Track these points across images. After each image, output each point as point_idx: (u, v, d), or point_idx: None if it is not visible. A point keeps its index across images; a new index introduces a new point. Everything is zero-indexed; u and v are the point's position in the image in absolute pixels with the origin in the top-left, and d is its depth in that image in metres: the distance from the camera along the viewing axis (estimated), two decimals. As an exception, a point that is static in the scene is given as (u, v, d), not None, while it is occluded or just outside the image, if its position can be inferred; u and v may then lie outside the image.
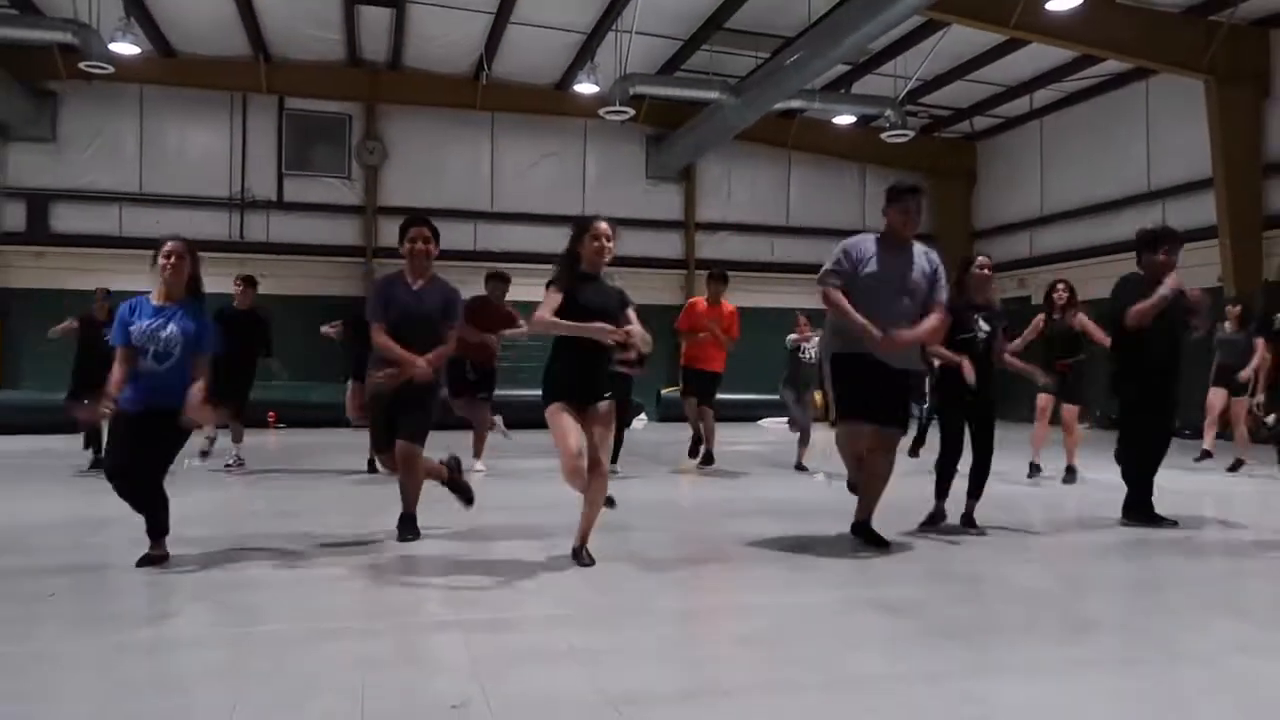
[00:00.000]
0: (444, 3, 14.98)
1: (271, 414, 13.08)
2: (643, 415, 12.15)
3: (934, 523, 5.94)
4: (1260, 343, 9.16)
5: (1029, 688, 3.03)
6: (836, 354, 5.40)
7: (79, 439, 8.95)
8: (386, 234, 18.03)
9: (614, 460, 9.03)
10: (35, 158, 16.73)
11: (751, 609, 4.04)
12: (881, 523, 5.45)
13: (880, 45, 15.49)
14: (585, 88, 15.73)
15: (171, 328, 4.65)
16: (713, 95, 16.19)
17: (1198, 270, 14.90)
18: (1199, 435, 10.02)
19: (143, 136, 17.41)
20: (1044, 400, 8.56)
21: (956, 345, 5.96)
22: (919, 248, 5.47)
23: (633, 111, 16.11)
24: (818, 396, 10.86)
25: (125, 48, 13.98)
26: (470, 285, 19.72)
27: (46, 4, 14.26)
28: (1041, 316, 8.40)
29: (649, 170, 19.76)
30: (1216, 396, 9.58)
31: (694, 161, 19.64)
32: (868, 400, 5.25)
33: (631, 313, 4.86)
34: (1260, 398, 9.28)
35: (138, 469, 4.60)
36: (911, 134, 17.63)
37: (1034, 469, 8.63)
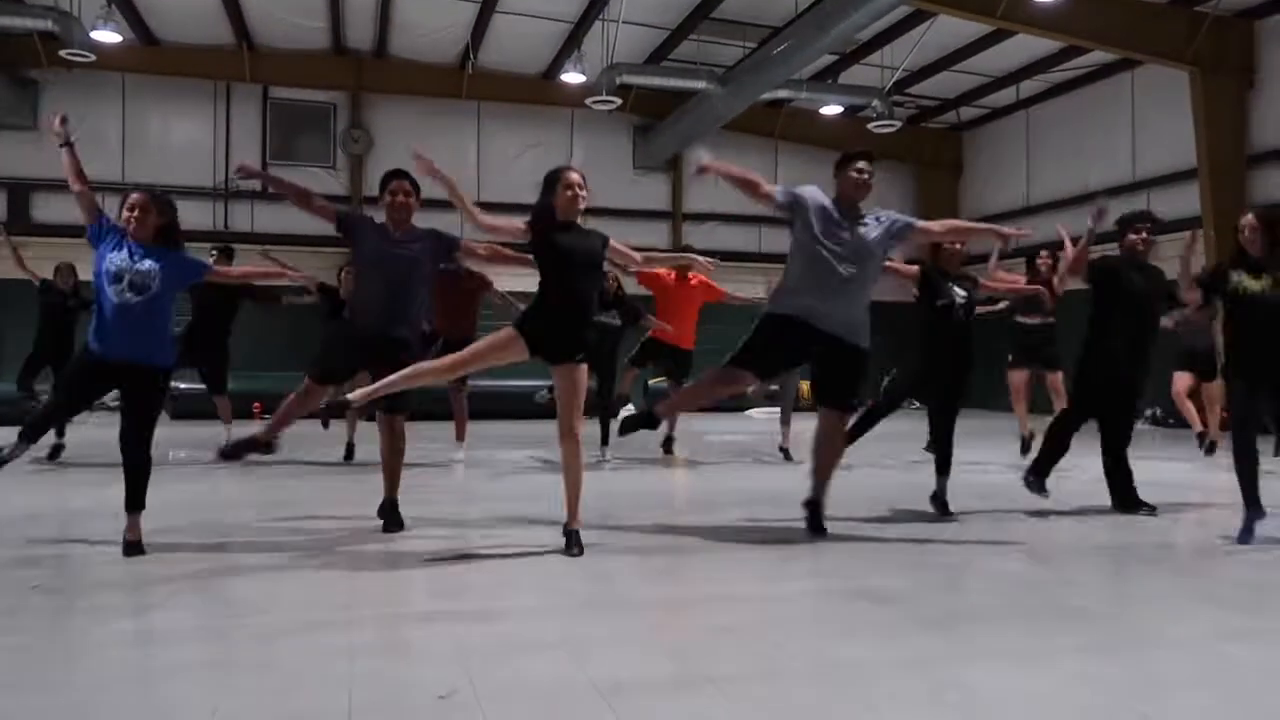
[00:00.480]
0: (429, -9, 14.91)
1: (257, 405, 13.02)
2: (629, 405, 12.15)
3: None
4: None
5: (1012, 675, 3.05)
6: (771, 313, 5.34)
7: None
8: (372, 224, 17.96)
9: (605, 442, 9.04)
10: (16, 147, 16.56)
11: (738, 598, 4.05)
12: (861, 513, 5.47)
13: (867, 35, 15.50)
14: (572, 77, 15.68)
15: (150, 262, 4.62)
16: (700, 85, 16.17)
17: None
18: (1181, 424, 10.07)
19: (125, 126, 17.27)
20: (1018, 379, 8.52)
21: (936, 312, 6.00)
22: (870, 215, 5.42)
23: (619, 101, 16.08)
24: (804, 385, 10.88)
25: (107, 36, 13.85)
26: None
27: (27, -9, 14.12)
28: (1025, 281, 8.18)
29: (636, 160, 19.72)
30: (1181, 381, 9.52)
31: (681, 151, 19.60)
32: (771, 363, 5.28)
33: (619, 245, 4.98)
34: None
35: (71, 415, 4.62)
36: (898, 124, 17.66)
37: (1025, 444, 8.53)
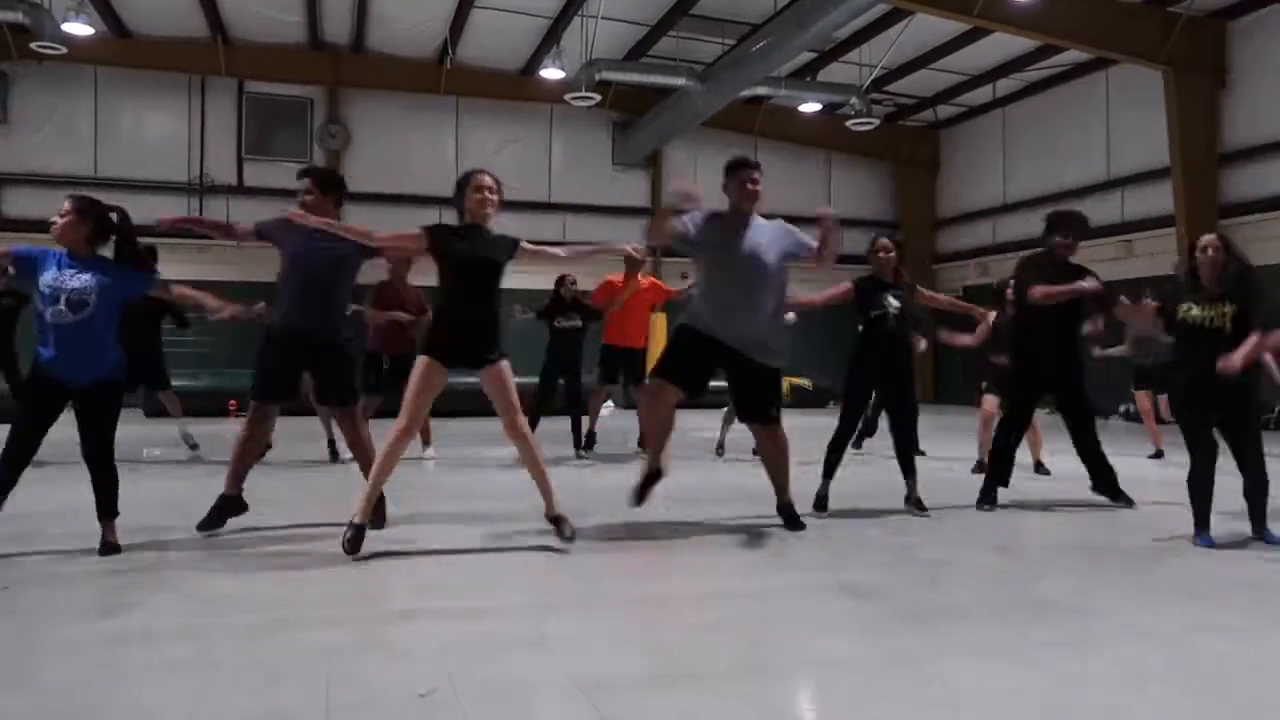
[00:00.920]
0: (407, -15, 14.82)
1: (233, 403, 12.90)
2: (609, 403, 12.15)
3: (819, 508, 5.90)
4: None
5: (992, 670, 3.07)
6: (680, 324, 5.34)
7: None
8: (351, 220, 17.79)
9: (588, 447, 9.03)
10: (-14, 141, 16.35)
11: (719, 594, 4.05)
12: (841, 509, 5.48)
13: (845, 33, 15.56)
14: (551, 73, 15.64)
15: (85, 276, 4.48)
16: (679, 81, 16.17)
17: (1156, 259, 15.19)
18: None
19: (98, 119, 17.06)
20: (990, 405, 8.27)
21: (869, 323, 6.03)
22: (765, 223, 5.42)
23: (599, 97, 16.06)
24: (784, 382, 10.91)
25: (78, 28, 13.68)
26: (432, 275, 19.42)
27: (-4, -18, 13.91)
28: (993, 313, 7.93)
29: (615, 156, 19.70)
30: (1142, 401, 9.54)
31: (660, 148, 19.60)
32: (686, 374, 5.23)
33: (532, 246, 4.97)
34: None
35: (40, 436, 4.49)
36: (876, 122, 17.75)
37: (981, 464, 8.14)
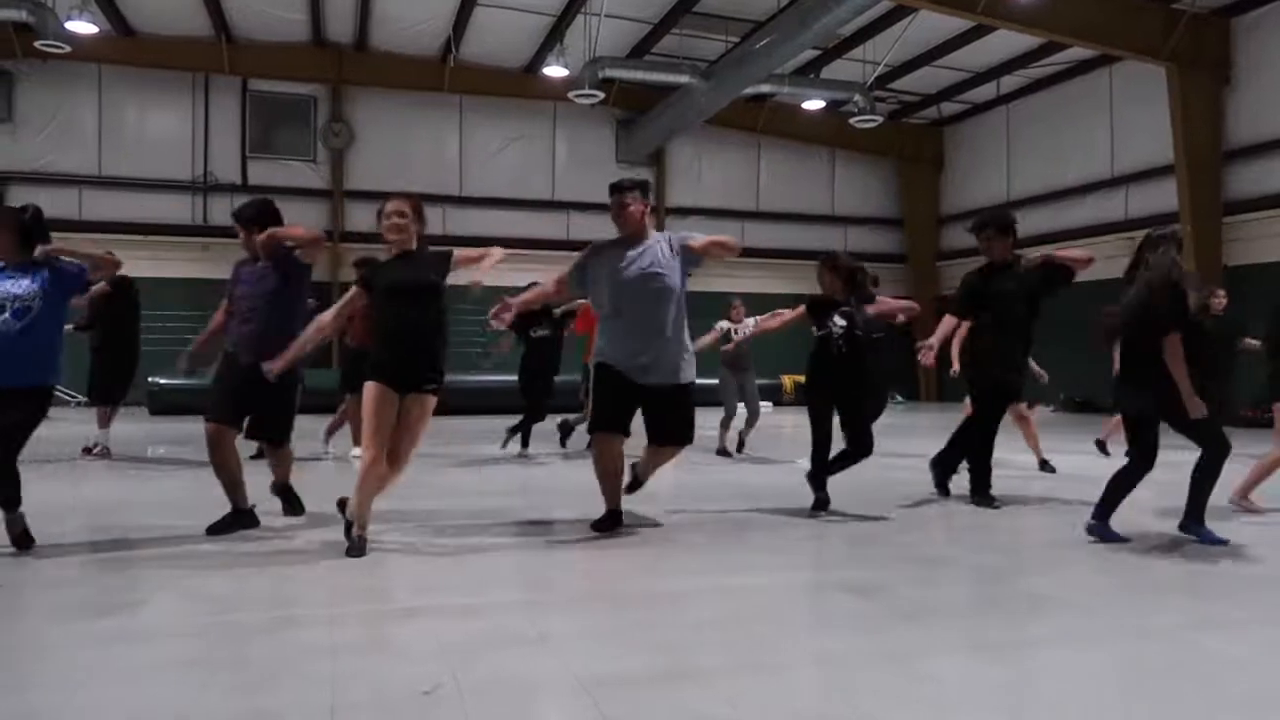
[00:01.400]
0: (410, -17, 14.83)
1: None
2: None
3: (819, 509, 5.92)
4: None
5: (989, 667, 3.08)
6: (600, 362, 5.27)
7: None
8: (353, 218, 17.89)
9: (563, 444, 9.03)
10: (-9, 139, 16.40)
11: (720, 591, 4.07)
12: (838, 508, 5.47)
13: (849, 31, 15.56)
14: (554, 71, 15.65)
15: (26, 282, 4.47)
16: (683, 79, 16.17)
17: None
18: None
19: (101, 117, 17.11)
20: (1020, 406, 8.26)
21: (818, 341, 6.03)
22: (657, 236, 5.30)
23: (602, 95, 16.06)
24: (788, 380, 10.91)
25: (82, 26, 13.72)
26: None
27: (1, -19, 13.94)
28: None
29: (619, 154, 19.71)
30: None
31: (664, 145, 19.62)
32: (628, 416, 5.20)
33: (465, 254, 4.87)
34: None
35: None
36: (880, 119, 17.74)
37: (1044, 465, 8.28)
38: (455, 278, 4.81)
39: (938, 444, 6.81)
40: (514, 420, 9.13)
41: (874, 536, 5.30)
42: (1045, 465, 8.07)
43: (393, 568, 4.44)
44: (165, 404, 13.99)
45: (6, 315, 4.39)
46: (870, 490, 6.60)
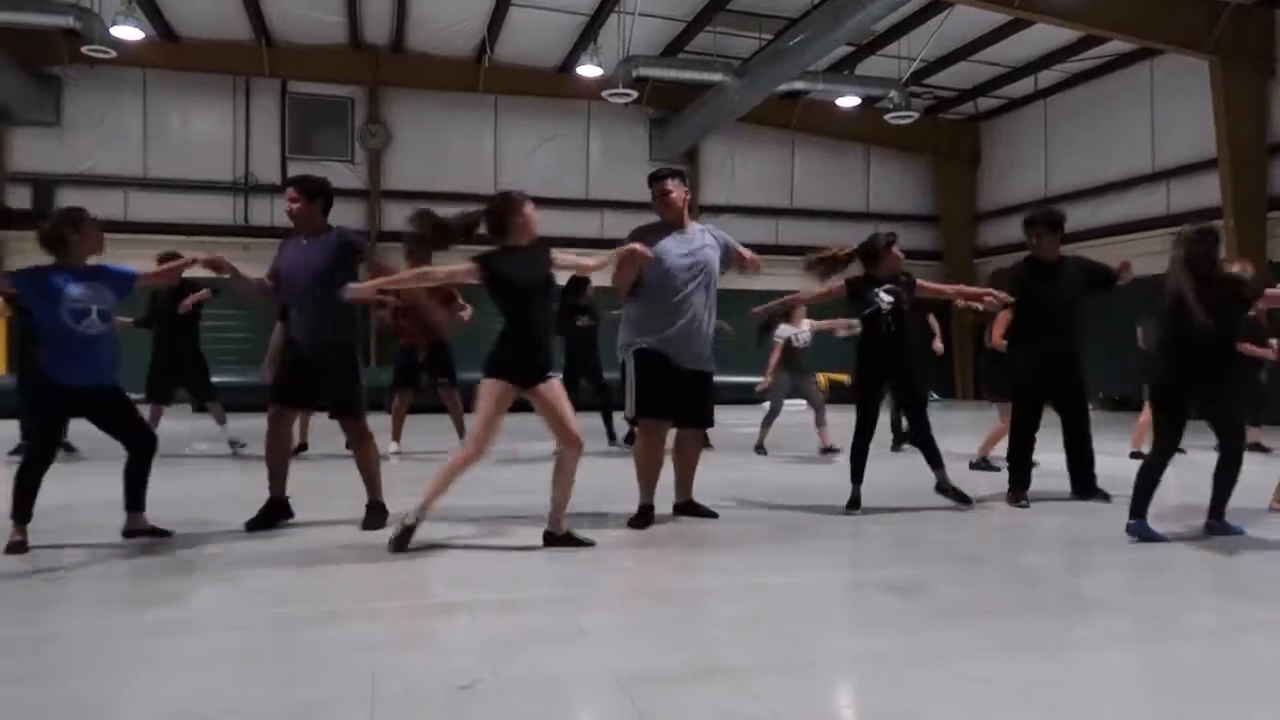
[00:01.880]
0: (446, -15, 14.94)
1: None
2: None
3: (852, 508, 5.88)
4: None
5: (1030, 667, 3.06)
6: (640, 348, 5.28)
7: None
8: (390, 218, 18.05)
9: (628, 441, 9.08)
10: (40, 142, 16.75)
11: (756, 589, 4.08)
12: (878, 504, 5.45)
13: (884, 26, 15.43)
14: (588, 70, 15.69)
15: (99, 286, 4.72)
16: (716, 77, 16.13)
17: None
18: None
19: (146, 121, 17.42)
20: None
21: (865, 321, 6.03)
22: (698, 228, 5.42)
23: (636, 94, 16.07)
24: (822, 378, 10.88)
25: (127, 32, 13.97)
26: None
27: (48, -12, 14.25)
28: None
29: (652, 153, 19.71)
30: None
31: (698, 144, 19.59)
32: (674, 402, 5.23)
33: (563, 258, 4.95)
34: None
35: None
36: (915, 115, 17.58)
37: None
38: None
39: (975, 441, 6.75)
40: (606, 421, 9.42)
41: (913, 535, 5.27)
42: (1137, 455, 8.18)
43: (432, 563, 4.50)
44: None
45: (94, 318, 4.62)
46: (909, 489, 6.57)
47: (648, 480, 5.34)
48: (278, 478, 5.28)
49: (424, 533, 4.97)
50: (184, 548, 4.69)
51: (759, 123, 19.22)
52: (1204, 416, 5.11)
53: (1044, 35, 15.66)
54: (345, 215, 17.67)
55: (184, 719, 2.59)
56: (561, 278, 5.19)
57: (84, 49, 13.87)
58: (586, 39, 16.08)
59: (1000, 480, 6.64)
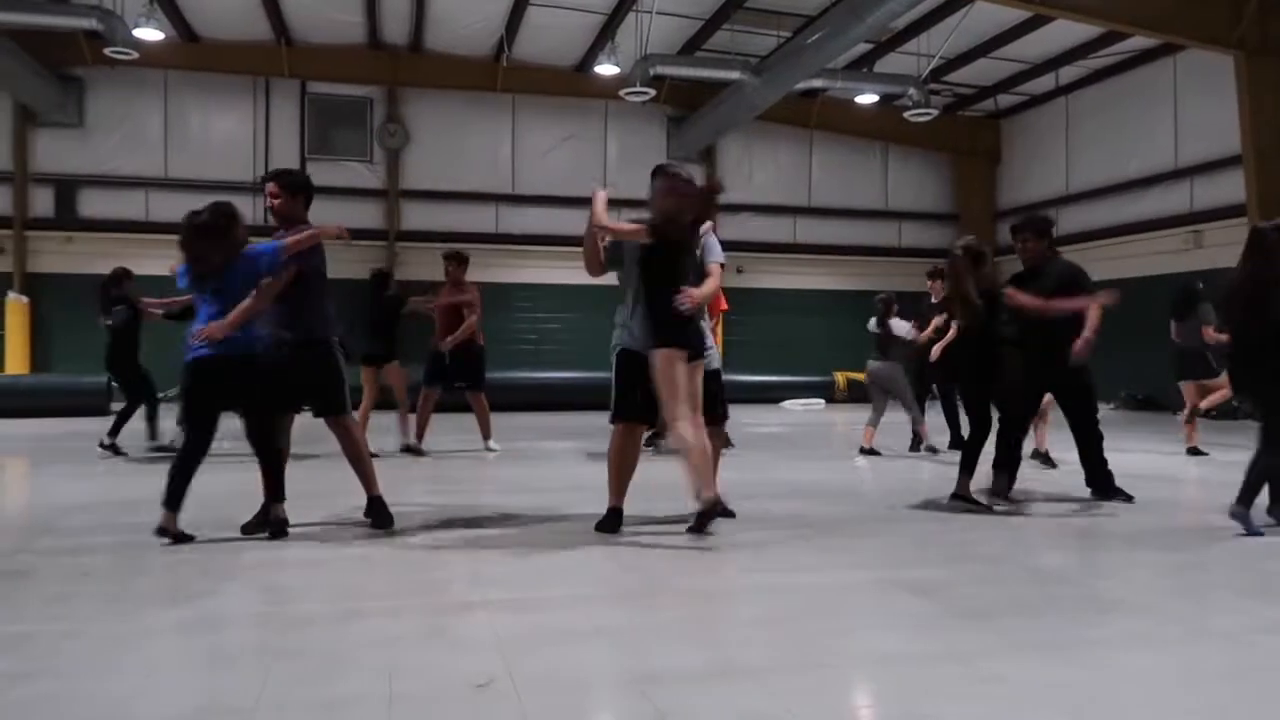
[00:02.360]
0: (464, -15, 14.98)
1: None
2: None
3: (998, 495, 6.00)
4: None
5: (1052, 668, 3.04)
6: (624, 349, 5.19)
7: (109, 420, 9.02)
8: (409, 217, 18.15)
9: (659, 436, 9.03)
10: (63, 143, 16.93)
11: (774, 589, 4.06)
12: (897, 504, 5.42)
13: (903, 23, 15.35)
14: (606, 69, 15.69)
15: None
16: (734, 75, 16.11)
17: (1227, 249, 14.74)
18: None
19: (167, 122, 17.56)
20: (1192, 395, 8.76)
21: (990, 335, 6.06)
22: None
23: (653, 92, 16.07)
24: (840, 377, 10.78)
25: (149, 33, 14.09)
26: (494, 268, 19.67)
27: (71, -10, 14.40)
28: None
29: (670, 151, 19.70)
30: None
31: (715, 142, 19.56)
32: (649, 405, 5.12)
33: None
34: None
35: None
36: (935, 113, 17.48)
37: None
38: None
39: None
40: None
41: (934, 535, 5.24)
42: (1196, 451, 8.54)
43: (450, 561, 4.51)
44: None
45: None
46: (928, 489, 6.53)
47: (618, 484, 5.18)
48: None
49: (441, 532, 4.98)
50: (204, 545, 4.71)
51: (777, 121, 19.17)
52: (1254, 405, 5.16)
53: (1065, 31, 15.54)
54: (363, 215, 17.77)
55: (204, 716, 2.60)
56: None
57: (106, 50, 14.00)
58: (604, 38, 16.08)
59: (1051, 478, 6.59)
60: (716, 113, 17.73)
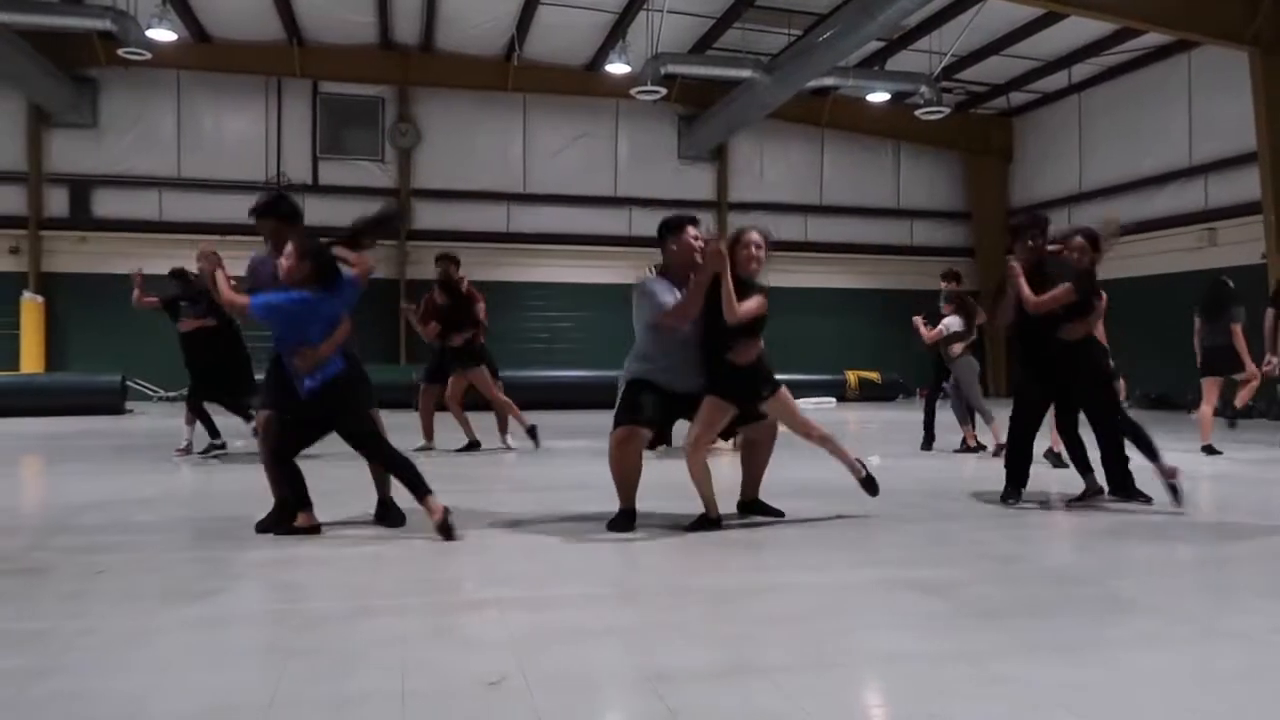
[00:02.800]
0: (475, -16, 15.01)
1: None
2: None
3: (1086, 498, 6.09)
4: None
5: (1065, 668, 3.02)
6: (640, 380, 5.21)
7: (124, 419, 9.07)
8: (421, 216, 18.19)
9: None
10: (77, 143, 17.04)
11: (786, 588, 4.05)
12: (910, 503, 5.40)
13: (915, 21, 15.31)
14: (617, 68, 15.70)
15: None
16: (745, 74, 16.09)
17: (1242, 247, 14.66)
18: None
19: (180, 122, 17.66)
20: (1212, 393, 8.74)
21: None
22: None
23: (664, 91, 16.07)
24: (852, 376, 10.77)
25: (162, 34, 14.17)
26: (505, 267, 19.69)
27: (85, -9, 14.50)
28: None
29: (681, 150, 19.71)
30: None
31: (726, 141, 19.55)
32: (660, 417, 5.19)
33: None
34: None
35: None
36: (947, 111, 17.44)
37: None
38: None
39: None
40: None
41: (947, 534, 5.23)
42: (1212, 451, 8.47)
43: (461, 559, 4.52)
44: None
45: None
46: (941, 487, 6.51)
47: (623, 489, 5.18)
48: (279, 483, 5.26)
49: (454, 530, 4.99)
50: (217, 543, 4.73)
51: (788, 119, 19.15)
52: None
53: (1078, 28, 15.47)
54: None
55: (218, 713, 2.61)
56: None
57: (120, 51, 14.09)
58: (615, 37, 16.09)
59: (1057, 477, 6.56)
60: (728, 111, 17.71)
